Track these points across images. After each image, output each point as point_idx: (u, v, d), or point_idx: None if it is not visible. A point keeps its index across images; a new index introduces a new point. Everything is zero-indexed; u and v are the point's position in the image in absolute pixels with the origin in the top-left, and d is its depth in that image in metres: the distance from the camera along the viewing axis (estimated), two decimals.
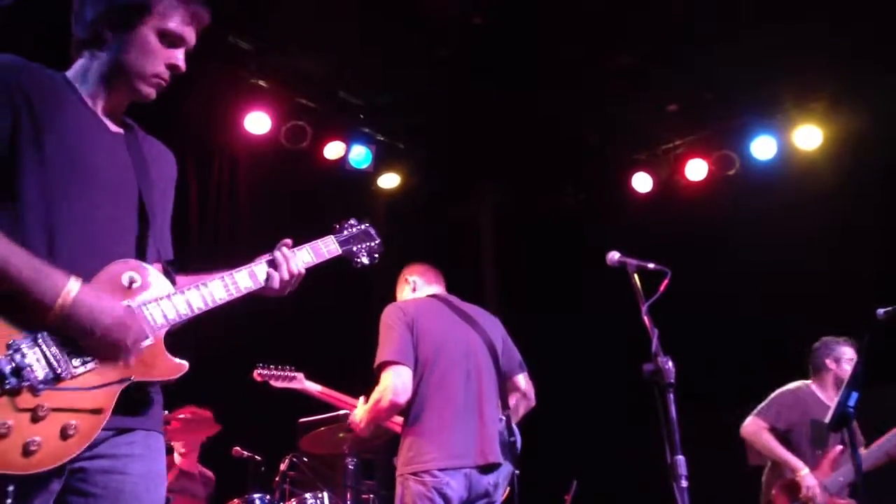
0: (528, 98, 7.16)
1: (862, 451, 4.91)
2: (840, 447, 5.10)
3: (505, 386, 4.06)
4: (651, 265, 3.59)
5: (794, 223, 7.13)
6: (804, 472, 5.05)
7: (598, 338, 7.68)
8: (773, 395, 5.42)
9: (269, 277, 2.29)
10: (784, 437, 5.26)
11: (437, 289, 4.43)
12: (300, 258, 2.37)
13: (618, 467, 6.91)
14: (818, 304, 6.81)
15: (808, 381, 5.42)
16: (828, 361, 5.36)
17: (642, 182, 7.98)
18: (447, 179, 8.23)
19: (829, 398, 5.24)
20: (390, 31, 6.49)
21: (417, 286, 4.46)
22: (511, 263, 8.16)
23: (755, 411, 5.36)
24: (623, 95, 7.15)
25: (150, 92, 2.21)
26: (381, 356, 3.88)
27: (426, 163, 8.07)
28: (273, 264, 2.30)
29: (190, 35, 2.23)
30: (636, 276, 3.55)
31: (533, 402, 4.20)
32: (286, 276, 2.31)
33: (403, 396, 3.82)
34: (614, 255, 3.66)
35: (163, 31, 2.17)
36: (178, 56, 2.21)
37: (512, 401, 4.08)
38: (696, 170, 7.75)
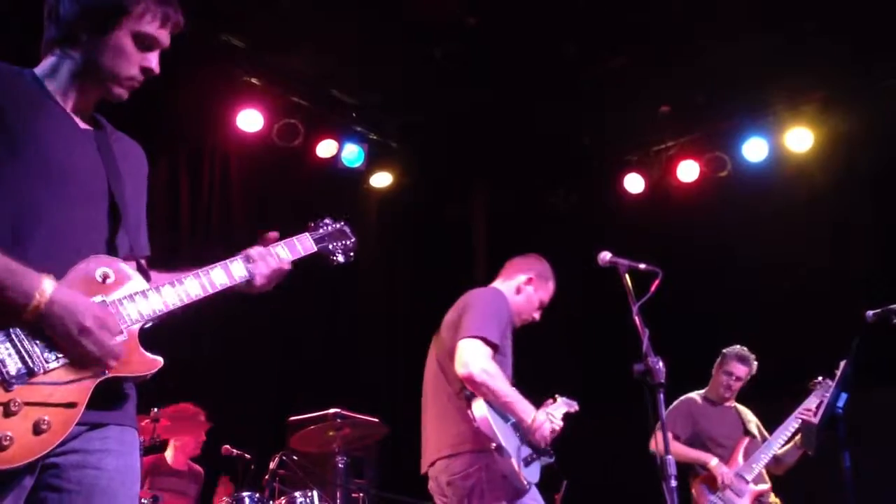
0: (521, 98, 7.16)
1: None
2: (746, 438, 5.51)
3: (454, 370, 3.91)
4: (642, 266, 3.61)
5: (785, 225, 7.16)
6: (714, 462, 5.35)
7: (589, 337, 7.69)
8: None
9: (250, 273, 2.28)
10: (688, 443, 5.53)
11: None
12: (278, 253, 2.37)
13: (608, 467, 6.92)
14: (809, 305, 6.85)
15: (700, 391, 5.77)
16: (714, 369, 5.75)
17: (634, 183, 7.99)
18: (440, 179, 8.23)
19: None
20: (384, 30, 6.49)
21: None
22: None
23: (656, 428, 5.52)
24: (615, 96, 7.16)
25: (122, 93, 2.19)
26: None
27: (419, 162, 8.07)
28: (250, 259, 2.30)
29: (165, 38, 2.21)
30: (627, 276, 3.56)
31: (464, 371, 3.81)
32: (265, 271, 2.30)
33: None
34: (606, 255, 3.67)
35: (138, 34, 2.15)
36: (152, 59, 2.19)
37: None
38: (688, 171, 7.76)
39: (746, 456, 5.43)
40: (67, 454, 1.97)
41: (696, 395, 5.77)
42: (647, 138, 7.94)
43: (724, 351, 5.74)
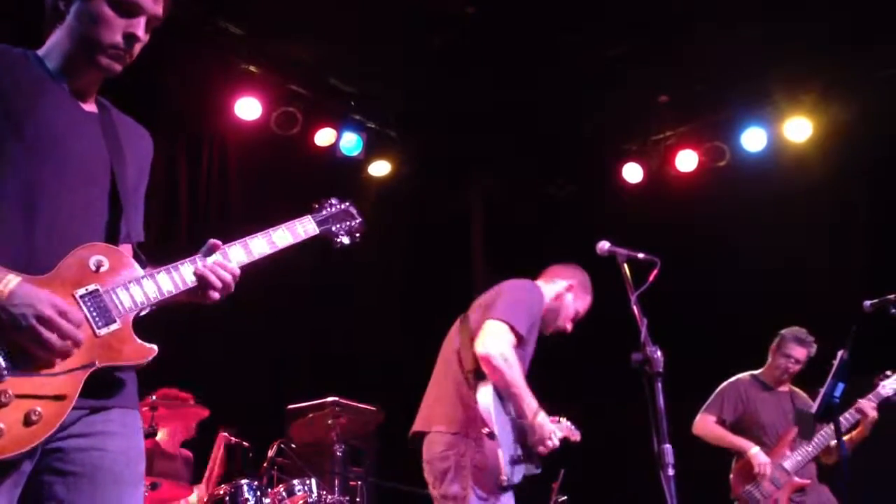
0: (520, 87, 7.15)
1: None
2: (796, 428, 5.31)
3: (470, 350, 3.87)
4: (641, 255, 3.61)
5: (783, 214, 7.17)
6: (754, 451, 5.24)
7: (587, 327, 7.68)
8: (717, 389, 5.62)
9: (202, 278, 2.15)
10: (735, 428, 5.43)
11: None
12: (233, 255, 2.24)
13: (605, 455, 6.93)
14: (807, 295, 6.85)
15: (755, 372, 5.62)
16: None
17: (633, 172, 7.99)
18: (438, 167, 8.22)
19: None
20: (383, 18, 6.47)
21: None
22: (501, 252, 8.17)
23: (703, 408, 5.57)
24: (614, 86, 7.15)
25: (111, 64, 2.13)
26: None
27: (417, 151, 8.06)
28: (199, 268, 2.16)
29: (147, 2, 2.12)
30: (626, 265, 3.56)
31: (478, 355, 3.77)
32: (227, 278, 2.19)
33: None
34: (604, 245, 3.67)
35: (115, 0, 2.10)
36: (135, 25, 2.12)
37: None
38: (687, 161, 7.75)
39: (793, 447, 5.28)
40: (70, 438, 1.97)
41: (748, 375, 5.62)
42: (646, 128, 7.92)
43: (782, 332, 5.55)
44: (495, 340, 3.75)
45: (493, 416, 3.73)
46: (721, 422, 5.48)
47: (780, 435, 5.36)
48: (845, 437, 5.02)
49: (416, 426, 3.94)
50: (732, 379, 5.63)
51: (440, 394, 3.95)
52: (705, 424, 5.48)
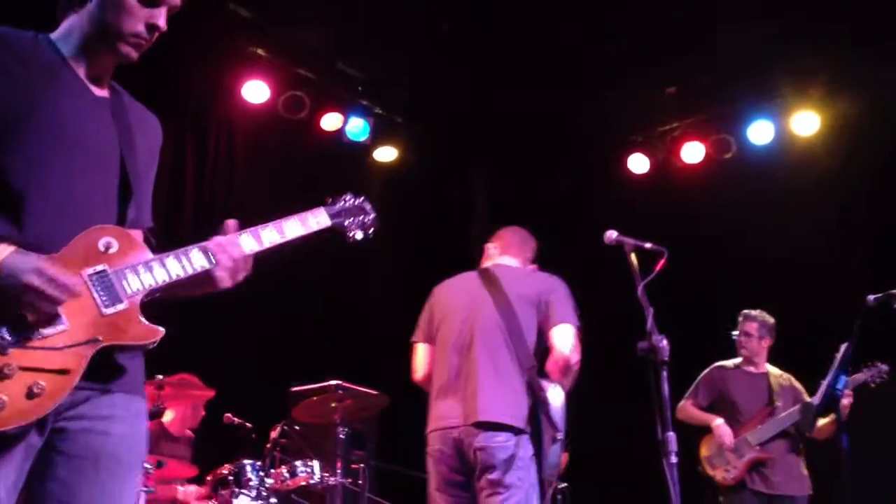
0: (527, 75, 7.14)
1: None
2: (769, 409, 5.53)
3: (527, 346, 3.90)
4: (648, 245, 3.62)
5: (789, 208, 7.16)
6: (717, 423, 5.52)
7: (593, 316, 7.70)
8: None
9: (216, 262, 2.16)
10: (711, 410, 5.66)
11: (502, 261, 4.28)
12: (241, 242, 2.24)
13: (608, 442, 6.96)
14: (812, 288, 6.86)
15: (736, 360, 5.79)
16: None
17: (638, 163, 7.99)
18: (444, 155, 8.22)
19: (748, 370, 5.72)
20: (391, 4, 6.46)
21: (489, 254, 4.39)
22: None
23: (685, 396, 5.78)
24: (621, 76, 7.14)
25: (130, 52, 2.15)
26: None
27: (423, 137, 8.06)
28: (208, 251, 2.17)
29: None
30: (633, 255, 3.58)
31: (563, 358, 3.80)
32: (228, 263, 2.19)
33: (419, 373, 4.16)
34: (612, 234, 3.69)
35: None
36: (157, 15, 2.14)
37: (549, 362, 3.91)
38: (693, 152, 7.74)
39: (763, 421, 5.48)
40: (76, 419, 1.99)
41: (728, 361, 5.81)
42: (653, 119, 7.92)
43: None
44: (574, 346, 3.84)
45: (564, 421, 3.81)
46: (698, 406, 5.72)
47: (754, 412, 5.55)
48: (826, 420, 5.27)
49: (483, 415, 3.77)
50: (711, 366, 5.83)
51: (500, 384, 3.85)
52: (684, 408, 5.72)
